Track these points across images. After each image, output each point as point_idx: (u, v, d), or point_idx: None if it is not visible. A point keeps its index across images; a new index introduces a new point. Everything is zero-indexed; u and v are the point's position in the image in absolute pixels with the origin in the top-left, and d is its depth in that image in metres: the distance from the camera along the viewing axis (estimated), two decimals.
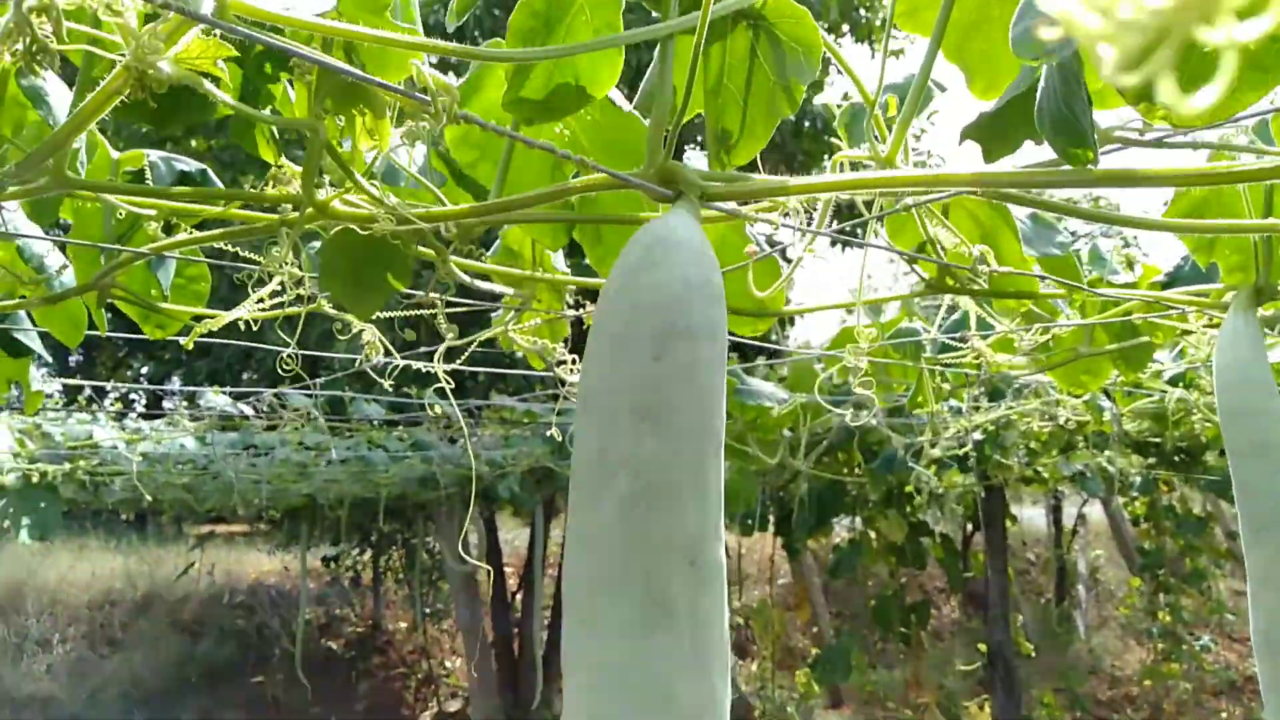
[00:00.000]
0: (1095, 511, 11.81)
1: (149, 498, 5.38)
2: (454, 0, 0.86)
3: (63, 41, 0.56)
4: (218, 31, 0.62)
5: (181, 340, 1.30)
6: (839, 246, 11.14)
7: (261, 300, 1.21)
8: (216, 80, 0.69)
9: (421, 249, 1.14)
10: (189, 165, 1.26)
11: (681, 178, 0.71)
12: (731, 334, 1.48)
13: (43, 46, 0.55)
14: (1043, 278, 1.15)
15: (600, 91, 0.82)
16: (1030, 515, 13.56)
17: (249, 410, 3.72)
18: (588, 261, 1.20)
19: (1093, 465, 7.63)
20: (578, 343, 1.85)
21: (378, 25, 0.80)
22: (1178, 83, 0.23)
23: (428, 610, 10.42)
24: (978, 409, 3.69)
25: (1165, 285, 1.54)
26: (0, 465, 4.14)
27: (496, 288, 1.30)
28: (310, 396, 3.51)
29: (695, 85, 0.83)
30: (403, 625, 11.03)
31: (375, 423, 4.41)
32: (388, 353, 1.44)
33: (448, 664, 10.26)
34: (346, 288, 1.05)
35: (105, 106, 0.63)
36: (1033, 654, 7.35)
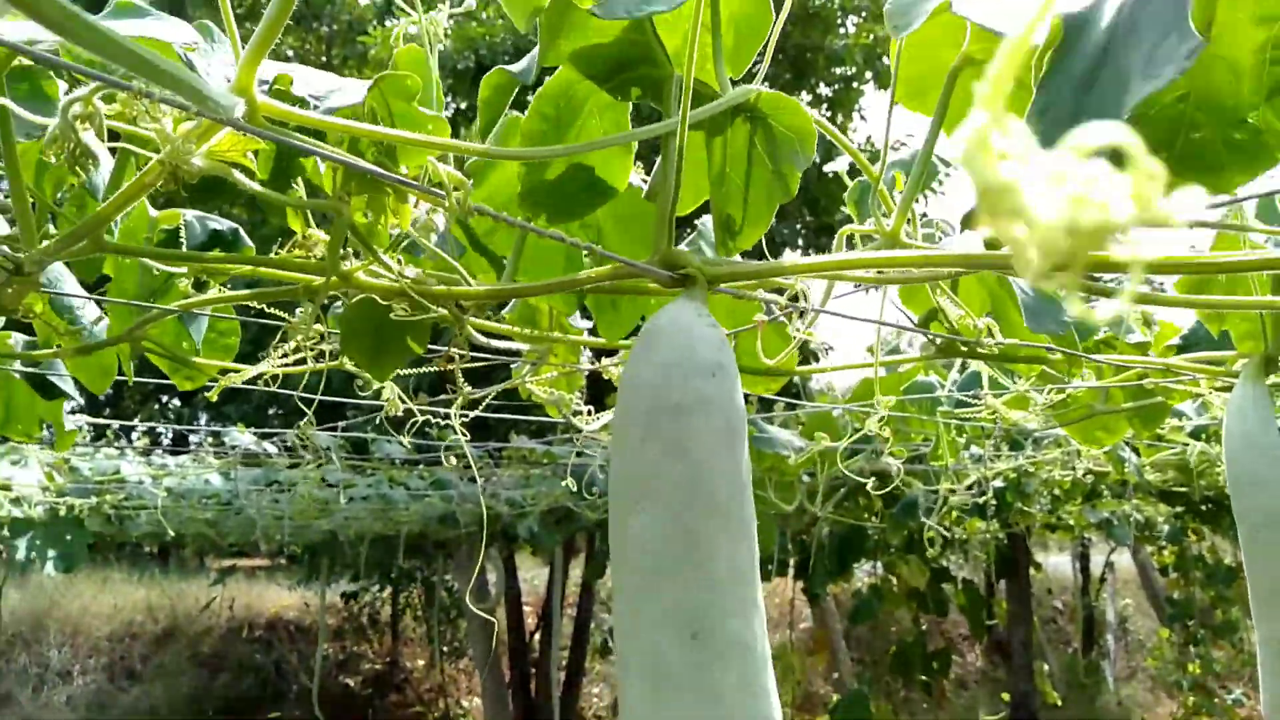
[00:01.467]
0: (1124, 560, 11.62)
1: (171, 532, 5.43)
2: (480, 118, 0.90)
3: (104, 141, 0.60)
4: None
5: (208, 393, 1.34)
6: (864, 290, 11.14)
7: (285, 355, 1.25)
8: (247, 169, 0.73)
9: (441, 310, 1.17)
10: (221, 225, 1.31)
11: (685, 263, 0.74)
12: (746, 392, 1.50)
13: (85, 150, 0.58)
14: (1048, 349, 1.16)
15: (618, 184, 0.86)
16: (1057, 563, 13.35)
17: (272, 449, 3.78)
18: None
19: (1119, 513, 7.53)
20: (593, 393, 1.87)
21: (407, 111, 0.84)
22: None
23: (445, 648, 10.38)
24: (998, 457, 3.68)
25: (1181, 348, 1.54)
26: (29, 499, 4.21)
27: (513, 345, 1.33)
28: (333, 436, 3.56)
29: (697, 176, 0.86)
30: (420, 663, 10.99)
31: (396, 461, 4.44)
32: (406, 405, 1.47)
33: (464, 703, 10.19)
34: (366, 352, 1.09)
35: (139, 195, 0.66)
36: (1059, 704, 7.21)
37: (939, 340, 1.28)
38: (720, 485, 0.69)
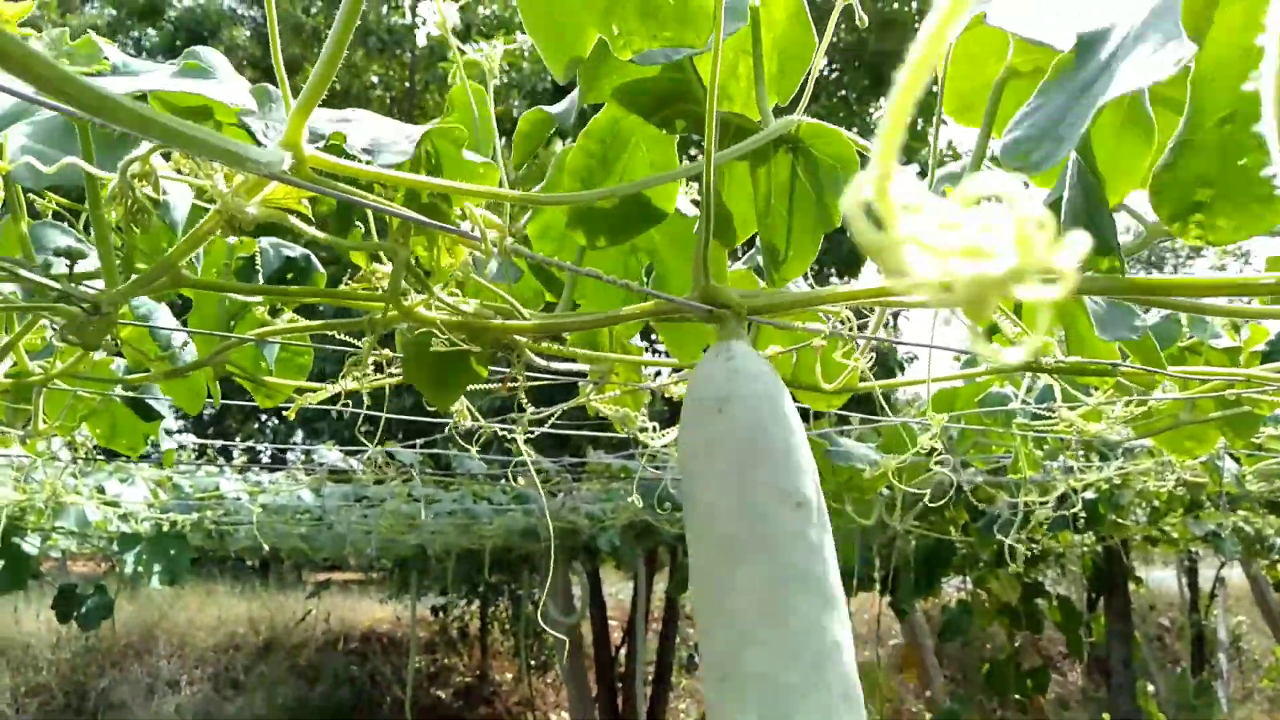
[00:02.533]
0: (1236, 574, 11.04)
1: (266, 546, 5.64)
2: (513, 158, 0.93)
3: (161, 195, 0.64)
4: None
5: (285, 411, 1.40)
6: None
7: (355, 380, 1.30)
8: (303, 215, 0.77)
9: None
10: (295, 252, 1.37)
11: (724, 298, 0.75)
12: (805, 406, 1.50)
13: (142, 206, 0.63)
14: (1114, 364, 1.12)
15: (667, 209, 0.88)
16: (1162, 577, 12.74)
17: (359, 465, 3.90)
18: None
19: (1226, 525, 7.17)
20: (673, 407, 1.89)
21: (456, 156, 0.87)
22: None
23: (532, 662, 10.50)
24: (1087, 468, 3.55)
25: (1267, 355, 1.47)
26: (135, 515, 4.43)
27: (576, 365, 1.36)
28: (416, 453, 3.66)
29: (745, 207, 0.87)
30: (509, 676, 11.13)
31: (479, 477, 4.54)
32: (476, 419, 1.51)
33: (552, 716, 10.27)
34: (428, 380, 1.12)
35: (202, 242, 0.71)
36: None
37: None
38: (725, 517, 0.70)
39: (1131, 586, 6.39)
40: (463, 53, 1.18)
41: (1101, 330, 1.12)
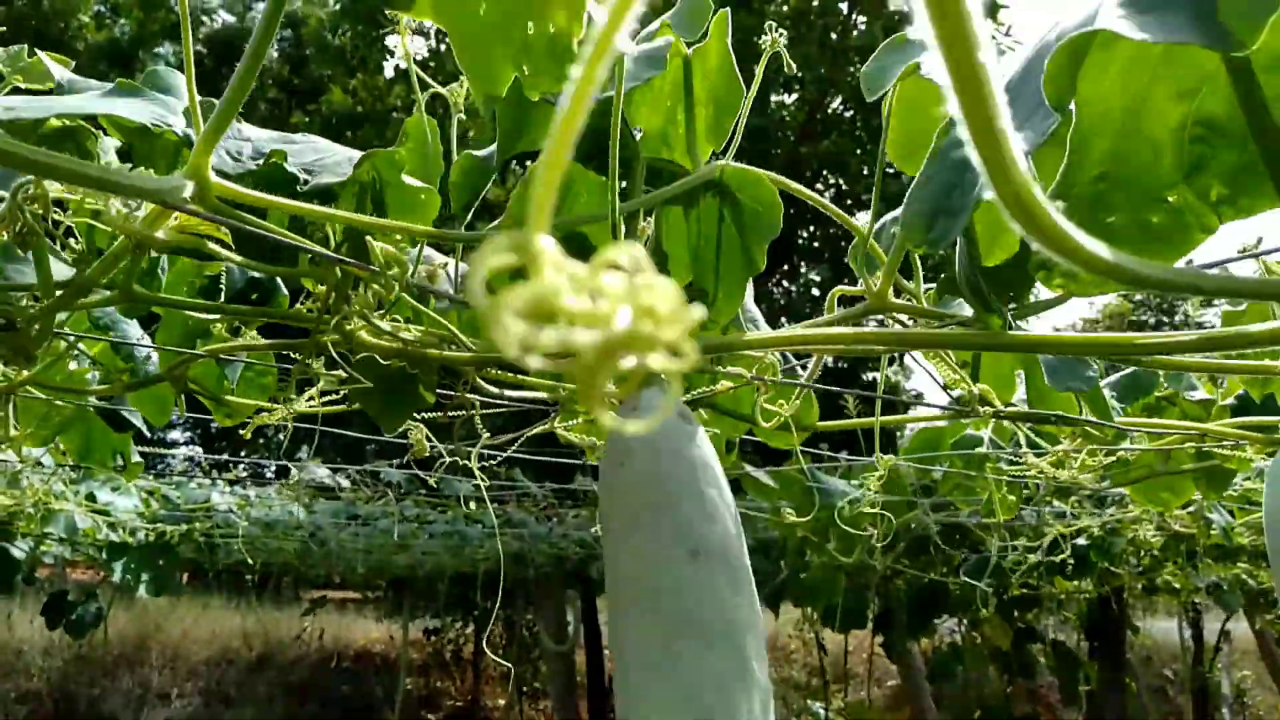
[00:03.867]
0: (1241, 628, 10.87)
1: (249, 560, 5.63)
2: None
3: (51, 223, 0.65)
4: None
5: (242, 431, 1.40)
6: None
7: (312, 399, 1.30)
8: (222, 240, 0.78)
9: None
10: (259, 273, 1.38)
11: None
12: (767, 445, 1.49)
13: (32, 229, 0.64)
14: (1057, 417, 1.12)
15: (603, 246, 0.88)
16: (1166, 628, 12.55)
17: (346, 482, 3.90)
18: None
19: (1228, 578, 7.08)
20: None
21: (398, 181, 0.88)
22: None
23: (525, 689, 10.41)
24: (1081, 512, 3.52)
25: (1236, 409, 1.46)
26: (125, 524, 4.43)
27: (534, 394, 1.36)
28: (406, 473, 3.65)
29: (682, 251, 0.87)
30: (500, 702, 11.04)
31: (469, 502, 4.53)
32: (435, 444, 1.51)
33: None
34: (375, 403, 1.12)
35: (112, 268, 0.71)
36: None
37: (959, 400, 1.25)
38: (623, 566, 0.70)
39: (1130, 635, 6.31)
40: (425, 86, 1.19)
41: (1052, 380, 1.12)
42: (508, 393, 1.27)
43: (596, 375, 0.21)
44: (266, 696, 10.33)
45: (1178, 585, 6.92)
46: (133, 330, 1.53)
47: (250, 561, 5.69)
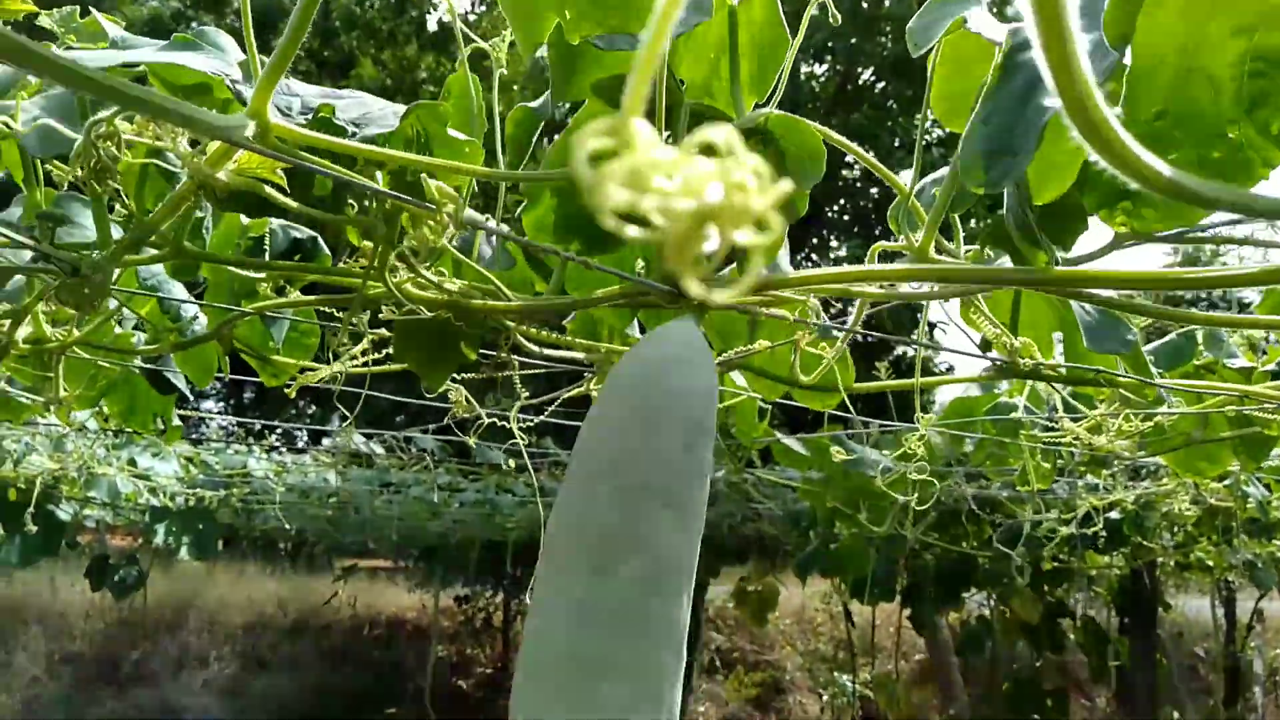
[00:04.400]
0: (1276, 606, 10.76)
1: (287, 525, 5.72)
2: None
3: (125, 159, 0.66)
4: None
5: (287, 389, 1.43)
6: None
7: (354, 357, 1.32)
8: (279, 184, 0.79)
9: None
10: (302, 233, 1.40)
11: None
12: (803, 408, 1.49)
13: (106, 166, 0.65)
14: (1097, 372, 1.11)
15: None
16: (1199, 607, 12.43)
17: (380, 449, 3.96)
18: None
19: (1263, 555, 6.99)
20: None
21: (444, 134, 0.89)
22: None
23: None
24: (1114, 486, 3.49)
25: (1275, 374, 1.44)
26: (165, 489, 4.53)
27: (571, 354, 1.37)
28: (438, 440, 3.70)
29: None
30: None
31: (502, 466, 4.57)
32: (473, 405, 1.53)
33: None
34: (419, 359, 1.14)
35: (178, 209, 0.73)
36: None
37: (999, 363, 1.25)
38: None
39: (1161, 612, 6.27)
40: (469, 40, 1.20)
41: (1091, 342, 1.11)
42: (547, 352, 1.29)
43: (687, 245, 0.22)
44: (301, 661, 10.55)
45: (1211, 562, 6.86)
46: (179, 291, 1.56)
47: (286, 527, 5.79)
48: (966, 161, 0.59)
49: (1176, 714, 6.11)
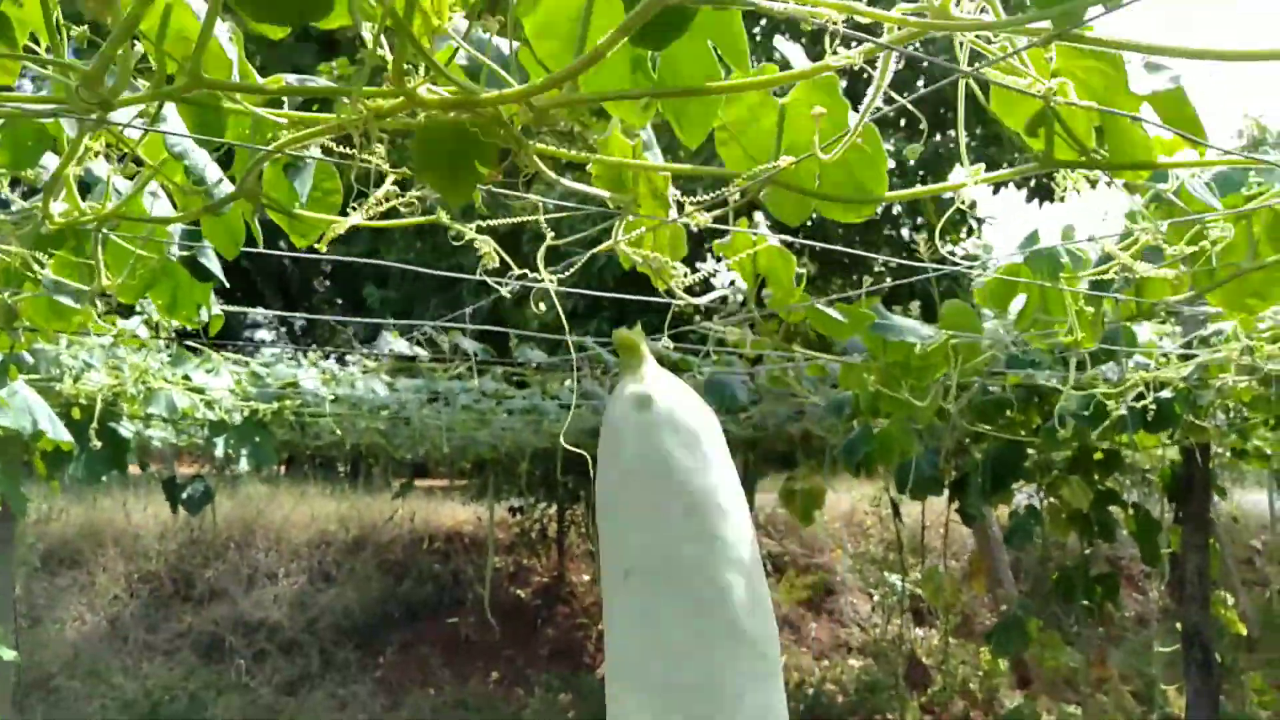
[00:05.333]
0: None
1: (339, 433, 5.86)
2: None
3: None
4: None
5: (318, 244, 1.44)
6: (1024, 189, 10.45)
7: (380, 202, 1.32)
8: None
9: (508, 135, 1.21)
10: (319, 84, 1.40)
11: None
12: (832, 221, 1.46)
13: None
14: (1149, 125, 1.06)
15: None
16: (1256, 500, 12.33)
17: (424, 353, 4.01)
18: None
19: None
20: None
21: None
22: None
23: None
24: (1165, 361, 3.42)
25: None
26: (220, 403, 4.66)
27: (593, 191, 1.36)
28: (474, 341, 3.74)
29: None
30: (585, 578, 11.48)
31: (540, 365, 4.62)
32: (504, 263, 1.52)
33: None
34: (439, 177, 1.14)
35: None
36: (1245, 634, 6.74)
37: (1039, 154, 1.21)
38: None
39: (1216, 501, 6.19)
40: None
41: (1135, 84, 1.06)
42: (566, 182, 1.28)
43: None
44: (364, 575, 10.94)
45: (1269, 450, 6.73)
46: (202, 158, 1.57)
47: (339, 436, 5.94)
48: None
49: (1230, 598, 6.09)
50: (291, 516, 11.75)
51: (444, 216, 1.47)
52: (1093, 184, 1.90)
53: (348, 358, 4.50)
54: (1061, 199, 1.26)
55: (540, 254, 1.40)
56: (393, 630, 10.18)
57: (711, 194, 1.36)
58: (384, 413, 5.75)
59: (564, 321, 1.63)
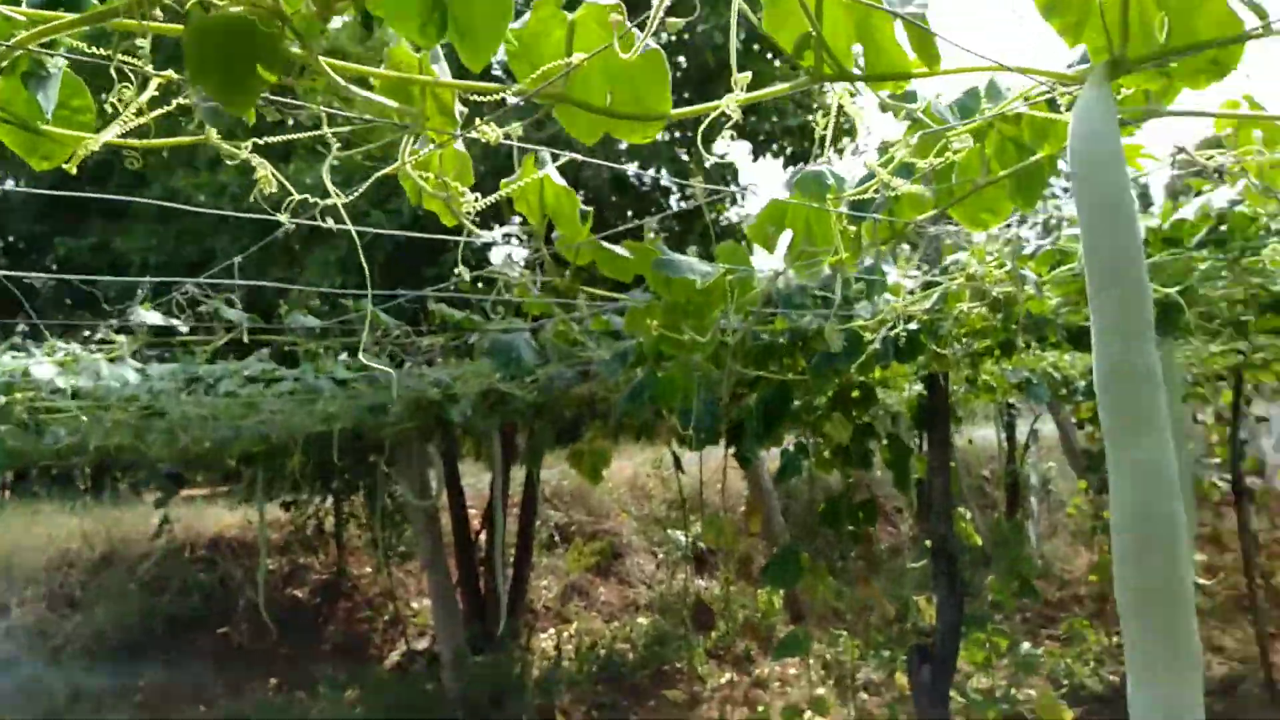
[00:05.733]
0: (1049, 428, 12.21)
1: (89, 442, 5.30)
2: None
3: None
4: None
5: (66, 165, 1.30)
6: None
7: (140, 111, 1.21)
8: None
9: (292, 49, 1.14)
10: None
11: None
12: (620, 141, 1.50)
13: None
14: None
15: None
16: (986, 435, 13.92)
17: (182, 325, 3.68)
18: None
19: (1038, 371, 7.82)
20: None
21: None
22: None
23: (392, 553, 10.47)
24: (914, 296, 3.77)
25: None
26: None
27: (379, 99, 1.31)
28: (239, 311, 3.49)
29: None
30: (368, 570, 11.09)
31: (313, 330, 4.38)
32: (282, 183, 1.44)
33: (414, 604, 10.34)
34: (217, 80, 1.06)
35: None
36: (980, 545, 7.63)
37: (809, 69, 1.30)
38: None
39: (953, 428, 6.91)
40: None
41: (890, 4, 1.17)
42: (354, 90, 1.23)
43: None
44: (116, 594, 9.97)
45: (995, 384, 7.62)
46: None
47: (82, 437, 5.35)
48: None
49: (969, 514, 6.83)
50: (23, 540, 10.50)
51: (213, 135, 1.37)
52: (851, 135, 2.06)
53: (90, 337, 4.03)
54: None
55: (325, 167, 1.33)
56: (154, 649, 9.36)
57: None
58: (133, 404, 5.24)
59: (358, 247, 1.56)
